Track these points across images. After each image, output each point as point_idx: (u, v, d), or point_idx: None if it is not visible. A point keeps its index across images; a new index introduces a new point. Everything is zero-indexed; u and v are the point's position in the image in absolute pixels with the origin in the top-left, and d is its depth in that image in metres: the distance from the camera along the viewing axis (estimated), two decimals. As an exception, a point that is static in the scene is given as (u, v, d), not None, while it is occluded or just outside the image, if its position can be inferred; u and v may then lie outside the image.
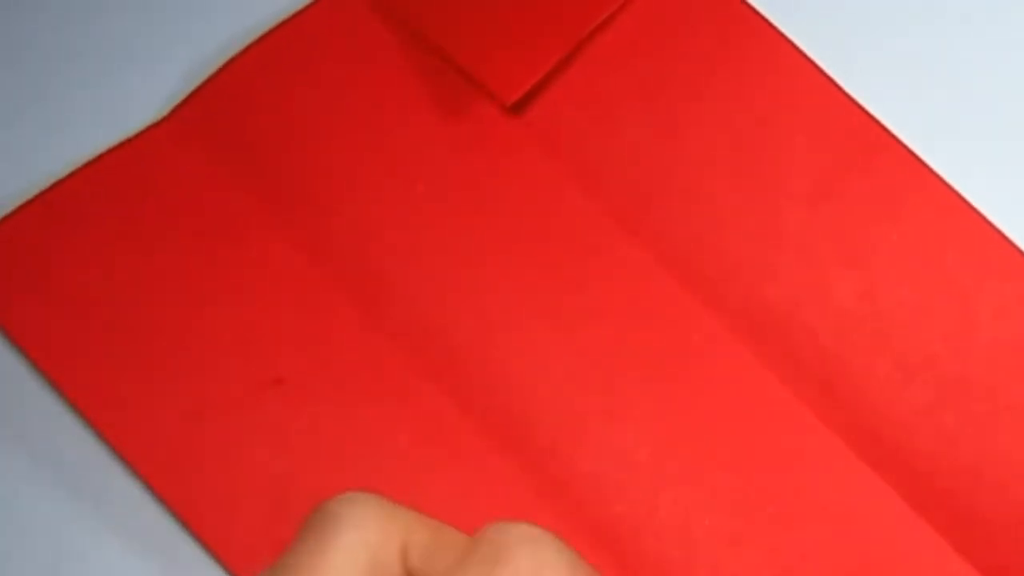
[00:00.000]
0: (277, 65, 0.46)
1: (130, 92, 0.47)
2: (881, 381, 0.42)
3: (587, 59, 0.46)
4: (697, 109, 0.45)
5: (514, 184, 0.44)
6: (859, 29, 0.47)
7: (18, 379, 0.43)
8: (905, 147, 0.44)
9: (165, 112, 0.46)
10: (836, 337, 0.42)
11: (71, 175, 0.44)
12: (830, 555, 0.40)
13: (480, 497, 0.41)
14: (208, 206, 0.44)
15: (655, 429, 0.42)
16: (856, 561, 0.40)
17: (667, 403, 0.42)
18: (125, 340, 0.43)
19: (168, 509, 0.42)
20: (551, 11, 0.46)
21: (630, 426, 0.42)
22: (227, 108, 0.45)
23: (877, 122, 0.44)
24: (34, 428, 0.43)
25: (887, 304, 0.43)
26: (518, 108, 0.45)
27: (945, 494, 0.41)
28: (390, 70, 0.46)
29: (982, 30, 0.47)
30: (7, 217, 0.44)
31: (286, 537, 0.40)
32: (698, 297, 0.43)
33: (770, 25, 0.46)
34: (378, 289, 0.44)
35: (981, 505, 0.41)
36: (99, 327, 0.43)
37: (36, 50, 0.48)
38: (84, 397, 0.42)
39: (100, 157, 0.45)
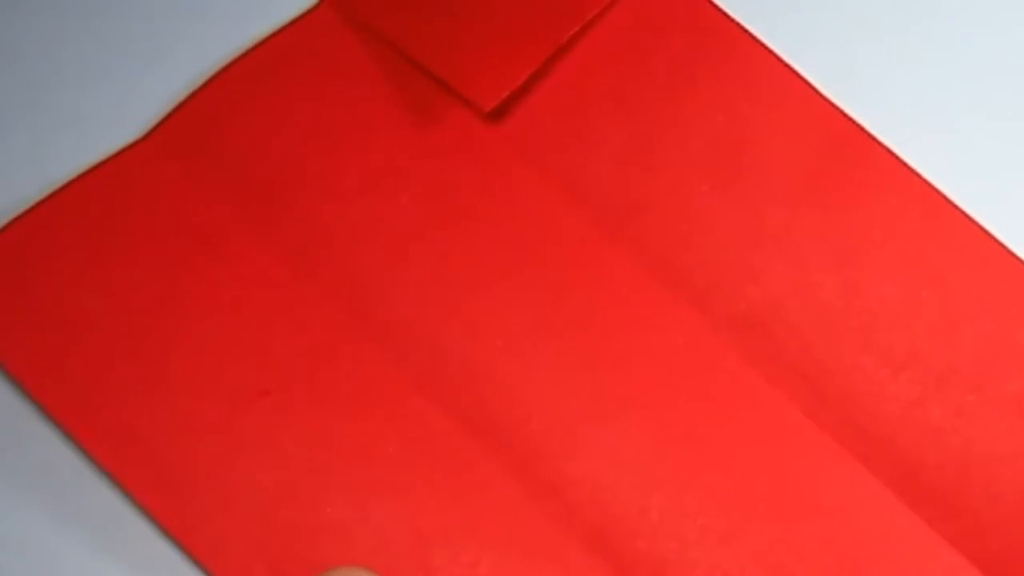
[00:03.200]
0: (256, 83, 0.46)
1: (110, 110, 0.47)
2: (868, 377, 0.42)
3: (565, 66, 0.46)
4: (675, 115, 0.45)
5: (495, 192, 0.45)
6: (835, 31, 0.47)
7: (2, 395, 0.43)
8: (884, 146, 0.45)
9: (145, 130, 0.46)
10: (821, 335, 0.43)
11: (52, 195, 0.44)
12: (822, 550, 0.41)
13: (472, 504, 0.41)
14: (191, 222, 0.44)
15: (644, 431, 0.42)
16: (848, 555, 0.41)
17: (656, 405, 0.42)
18: (110, 357, 0.43)
19: (158, 525, 0.41)
20: (527, 19, 0.46)
21: (619, 429, 0.42)
22: (208, 125, 0.45)
23: (855, 123, 0.45)
24: (19, 447, 0.43)
25: (871, 301, 0.43)
26: (496, 116, 0.45)
27: (934, 486, 0.41)
28: (367, 83, 0.46)
29: (958, 28, 0.47)
30: None
31: (276, 549, 0.40)
32: (682, 300, 0.43)
33: (745, 31, 0.46)
34: (362, 300, 0.44)
35: (970, 496, 0.41)
36: (83, 344, 0.43)
37: (19, 66, 0.48)
38: (68, 414, 0.42)
39: (82, 176, 0.45)
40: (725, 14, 0.46)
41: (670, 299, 0.43)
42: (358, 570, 0.38)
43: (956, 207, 0.44)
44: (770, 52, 0.46)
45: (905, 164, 0.44)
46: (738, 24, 0.46)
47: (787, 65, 0.46)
